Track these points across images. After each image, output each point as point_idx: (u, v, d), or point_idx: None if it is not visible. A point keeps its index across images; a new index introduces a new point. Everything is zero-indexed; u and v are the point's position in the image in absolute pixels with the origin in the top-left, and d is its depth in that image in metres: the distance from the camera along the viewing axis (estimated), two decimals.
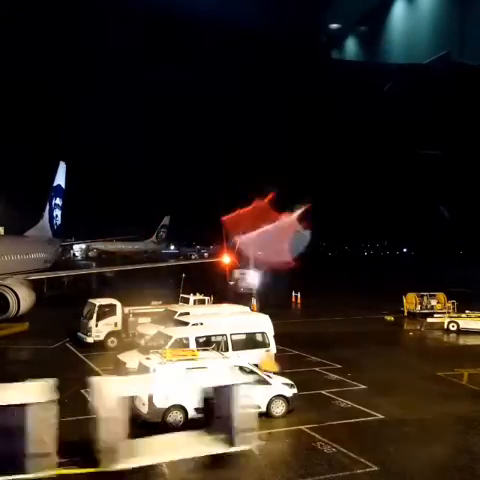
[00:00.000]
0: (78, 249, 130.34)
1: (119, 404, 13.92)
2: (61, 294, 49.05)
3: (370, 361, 27.50)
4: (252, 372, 18.67)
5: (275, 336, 23.70)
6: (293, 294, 50.51)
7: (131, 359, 20.75)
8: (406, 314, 41.85)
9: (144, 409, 17.31)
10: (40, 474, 12.92)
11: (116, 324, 29.30)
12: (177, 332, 22.15)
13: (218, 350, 21.56)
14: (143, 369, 17.90)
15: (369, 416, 18.90)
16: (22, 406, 13.04)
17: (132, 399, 18.13)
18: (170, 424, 17.19)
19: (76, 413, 18.77)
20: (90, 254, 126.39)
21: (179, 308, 29.60)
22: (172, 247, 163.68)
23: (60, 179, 57.16)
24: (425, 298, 41.68)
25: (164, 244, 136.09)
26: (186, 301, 34.85)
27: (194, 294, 35.64)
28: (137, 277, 59.12)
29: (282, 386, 19.05)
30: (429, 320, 38.53)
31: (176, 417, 17.31)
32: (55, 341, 30.68)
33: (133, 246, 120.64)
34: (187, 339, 21.26)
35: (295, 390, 19.17)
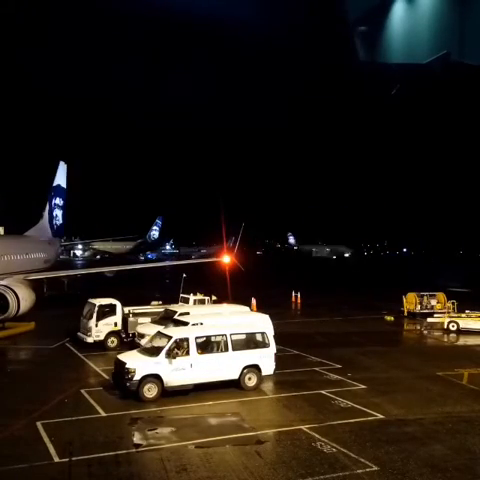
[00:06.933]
0: (79, 249, 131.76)
1: None
2: (60, 294, 48.98)
3: (370, 361, 27.49)
4: None
5: (275, 336, 23.68)
6: (293, 294, 50.44)
7: (131, 359, 20.78)
8: (406, 314, 41.78)
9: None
10: None
11: (116, 324, 29.28)
12: (177, 332, 22.15)
13: (218, 350, 21.61)
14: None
15: (369, 416, 18.89)
16: None
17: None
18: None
19: (76, 413, 18.83)
20: (86, 254, 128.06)
21: (179, 308, 29.58)
22: (167, 247, 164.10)
23: (60, 179, 57.06)
24: (425, 298, 41.60)
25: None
26: (186, 301, 34.80)
27: (194, 294, 35.59)
28: (136, 277, 59.28)
29: None
30: (429, 320, 38.48)
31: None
32: (55, 341, 30.66)
33: (124, 246, 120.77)
34: (187, 339, 21.26)
35: None
